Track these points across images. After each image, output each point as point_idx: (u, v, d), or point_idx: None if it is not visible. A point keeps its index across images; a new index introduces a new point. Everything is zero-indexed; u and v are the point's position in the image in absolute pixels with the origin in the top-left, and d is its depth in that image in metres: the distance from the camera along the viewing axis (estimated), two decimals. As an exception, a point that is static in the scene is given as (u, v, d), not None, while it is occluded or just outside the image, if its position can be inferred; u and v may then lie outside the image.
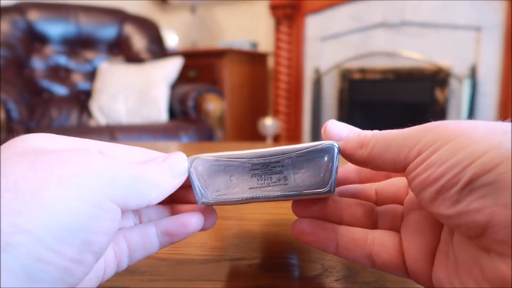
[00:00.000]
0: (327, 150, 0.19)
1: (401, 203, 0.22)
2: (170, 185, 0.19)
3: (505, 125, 0.15)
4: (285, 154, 0.20)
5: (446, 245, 0.18)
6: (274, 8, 2.51)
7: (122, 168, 0.17)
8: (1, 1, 2.06)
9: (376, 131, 0.19)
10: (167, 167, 0.19)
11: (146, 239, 0.21)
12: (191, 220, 0.21)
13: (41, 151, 0.16)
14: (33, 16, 2.04)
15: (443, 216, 0.16)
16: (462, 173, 0.15)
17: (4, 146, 0.17)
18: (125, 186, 0.17)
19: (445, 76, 2.07)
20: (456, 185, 0.15)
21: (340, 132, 0.21)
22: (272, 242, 0.29)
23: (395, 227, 0.21)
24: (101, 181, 0.16)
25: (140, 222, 0.22)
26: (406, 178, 0.18)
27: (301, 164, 0.20)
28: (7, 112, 1.63)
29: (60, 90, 2.06)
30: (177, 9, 3.15)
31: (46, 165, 0.15)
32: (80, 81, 2.11)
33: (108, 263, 0.19)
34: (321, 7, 2.39)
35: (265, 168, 0.20)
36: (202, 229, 0.22)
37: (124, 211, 0.17)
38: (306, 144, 0.20)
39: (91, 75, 2.12)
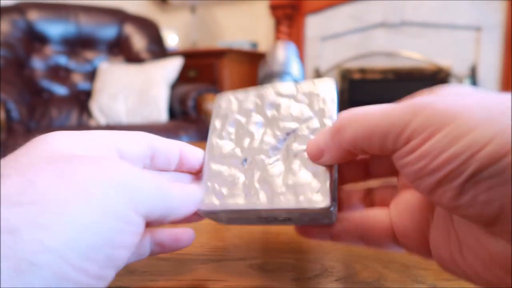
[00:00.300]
0: (322, 210, 0.19)
1: (395, 174, 0.22)
2: (188, 210, 0.20)
3: (499, 100, 0.14)
4: (288, 211, 0.20)
5: (445, 222, 0.17)
6: (274, 8, 2.51)
7: (148, 180, 0.17)
8: (1, 1, 2.06)
9: (353, 113, 0.18)
10: (189, 193, 0.20)
11: (140, 245, 0.21)
12: (184, 236, 0.22)
13: (68, 157, 0.16)
14: (33, 16, 2.04)
15: (446, 206, 0.15)
16: (466, 164, 0.14)
17: (26, 148, 0.16)
18: (150, 198, 0.17)
19: (445, 76, 2.07)
20: (459, 176, 0.14)
21: (318, 147, 0.20)
22: (272, 242, 0.29)
23: (387, 202, 0.21)
24: (127, 192, 0.15)
25: None
26: (395, 164, 0.17)
27: (303, 215, 0.20)
28: (7, 112, 1.63)
29: (60, 90, 2.06)
30: (177, 9, 3.15)
31: (73, 175, 0.15)
32: (80, 81, 2.11)
33: None
34: (321, 7, 2.39)
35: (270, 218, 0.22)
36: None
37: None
38: (302, 202, 0.19)
39: (91, 75, 2.12)
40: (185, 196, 0.20)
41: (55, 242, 0.13)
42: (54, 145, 0.17)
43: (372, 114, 0.17)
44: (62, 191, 0.14)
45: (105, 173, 0.15)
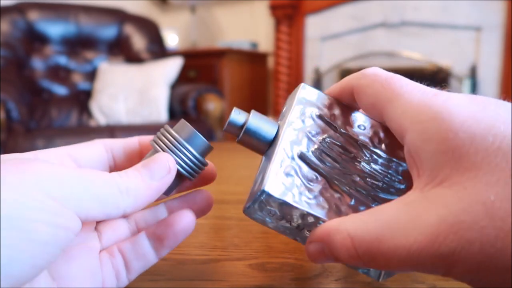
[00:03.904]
0: None
1: None
2: (150, 190, 0.19)
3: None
4: None
5: None
6: (274, 8, 2.51)
7: (70, 174, 0.17)
8: (1, 1, 2.06)
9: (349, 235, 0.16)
10: (145, 171, 0.19)
11: (138, 246, 0.20)
12: (175, 219, 0.20)
13: (9, 158, 0.17)
14: (33, 16, 2.04)
15: None
16: None
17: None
18: (73, 190, 0.16)
19: (445, 76, 2.07)
20: None
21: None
22: (272, 242, 0.29)
23: None
24: (43, 180, 0.16)
25: (139, 230, 0.22)
26: None
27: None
28: (7, 112, 1.63)
29: (60, 90, 2.06)
30: (177, 9, 3.15)
31: None
32: (80, 81, 2.11)
33: (106, 275, 0.19)
34: (321, 7, 2.39)
35: None
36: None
37: (96, 220, 0.17)
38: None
39: (91, 75, 2.12)
40: (144, 175, 0.19)
41: None
42: (26, 155, 0.18)
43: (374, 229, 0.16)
44: None
45: (25, 168, 0.16)
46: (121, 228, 0.21)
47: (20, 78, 1.92)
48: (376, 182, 0.20)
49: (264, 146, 0.21)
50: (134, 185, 0.18)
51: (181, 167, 0.21)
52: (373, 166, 0.21)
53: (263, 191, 0.19)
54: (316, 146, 0.21)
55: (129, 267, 0.20)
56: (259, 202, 0.19)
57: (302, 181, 0.20)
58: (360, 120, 0.22)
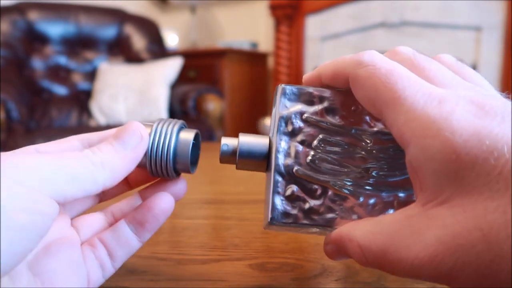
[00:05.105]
0: None
1: None
2: (126, 160, 0.19)
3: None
4: None
5: None
6: (274, 8, 2.51)
7: (37, 160, 0.16)
8: (1, 1, 2.06)
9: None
10: (117, 142, 0.19)
11: (119, 234, 0.20)
12: (154, 202, 0.20)
13: None
14: (33, 16, 2.04)
15: None
16: None
17: None
18: (43, 174, 0.16)
19: (445, 76, 2.07)
20: None
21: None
22: (272, 242, 0.29)
23: None
24: (12, 167, 0.15)
25: (117, 220, 0.22)
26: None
27: None
28: (7, 112, 1.63)
29: (60, 90, 2.06)
30: (177, 9, 3.15)
31: None
32: (80, 81, 2.11)
33: (90, 266, 0.19)
34: (321, 7, 2.39)
35: None
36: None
37: (74, 200, 0.17)
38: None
39: (91, 75, 2.12)
40: (117, 147, 0.18)
41: None
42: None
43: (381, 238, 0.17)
44: None
45: None
46: (98, 222, 0.22)
47: (20, 78, 1.92)
48: (383, 167, 0.20)
49: (262, 163, 0.21)
50: (108, 158, 0.18)
51: (149, 158, 0.20)
52: (375, 151, 0.20)
53: (270, 221, 0.20)
54: (310, 156, 0.20)
55: (113, 255, 0.20)
56: (273, 226, 0.20)
57: (305, 198, 0.20)
58: (351, 102, 0.21)
